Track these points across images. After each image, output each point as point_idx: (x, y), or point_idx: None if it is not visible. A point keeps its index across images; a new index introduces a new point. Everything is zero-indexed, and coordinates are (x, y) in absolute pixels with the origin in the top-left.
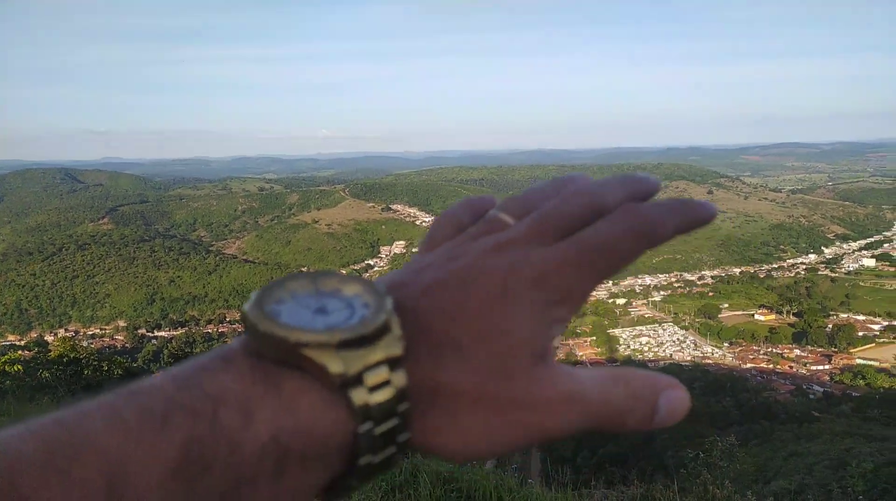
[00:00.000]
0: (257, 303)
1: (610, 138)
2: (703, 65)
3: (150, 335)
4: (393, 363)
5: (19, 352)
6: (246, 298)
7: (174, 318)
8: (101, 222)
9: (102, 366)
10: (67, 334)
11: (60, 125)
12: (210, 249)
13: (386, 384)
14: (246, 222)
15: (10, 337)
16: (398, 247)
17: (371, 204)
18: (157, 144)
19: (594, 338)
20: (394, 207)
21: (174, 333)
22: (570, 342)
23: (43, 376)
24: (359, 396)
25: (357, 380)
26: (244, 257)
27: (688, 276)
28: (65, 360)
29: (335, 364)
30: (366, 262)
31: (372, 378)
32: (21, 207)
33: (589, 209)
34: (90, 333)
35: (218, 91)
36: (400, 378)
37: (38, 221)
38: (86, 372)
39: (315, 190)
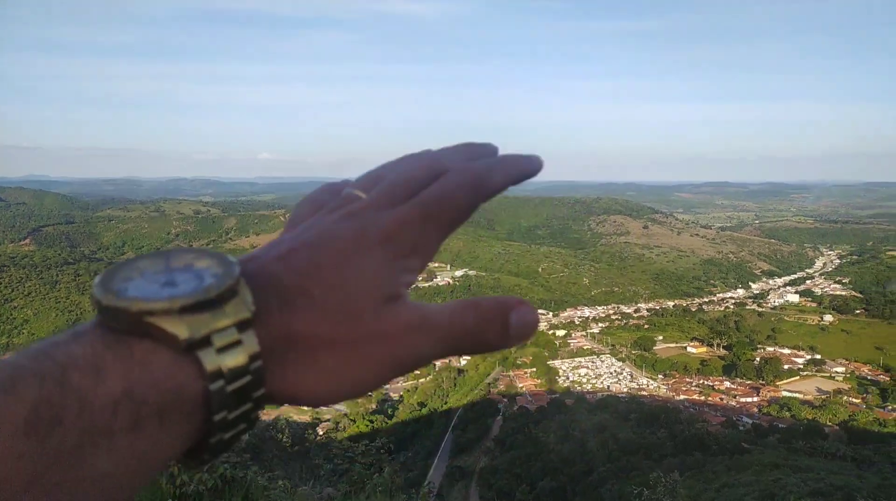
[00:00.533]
0: (102, 282)
1: (546, 172)
2: (639, 103)
3: None
4: (243, 326)
5: None
6: None
7: None
8: (22, 242)
9: None
10: None
11: None
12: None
13: (237, 344)
14: (179, 246)
15: None
16: None
17: None
18: (85, 162)
19: (534, 369)
20: None
21: None
22: (511, 373)
23: None
24: (208, 357)
25: (205, 342)
26: None
27: (625, 308)
28: None
29: (180, 329)
30: None
31: (220, 340)
32: None
33: (428, 173)
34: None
35: (151, 109)
36: (250, 339)
37: None
38: None
39: (254, 214)
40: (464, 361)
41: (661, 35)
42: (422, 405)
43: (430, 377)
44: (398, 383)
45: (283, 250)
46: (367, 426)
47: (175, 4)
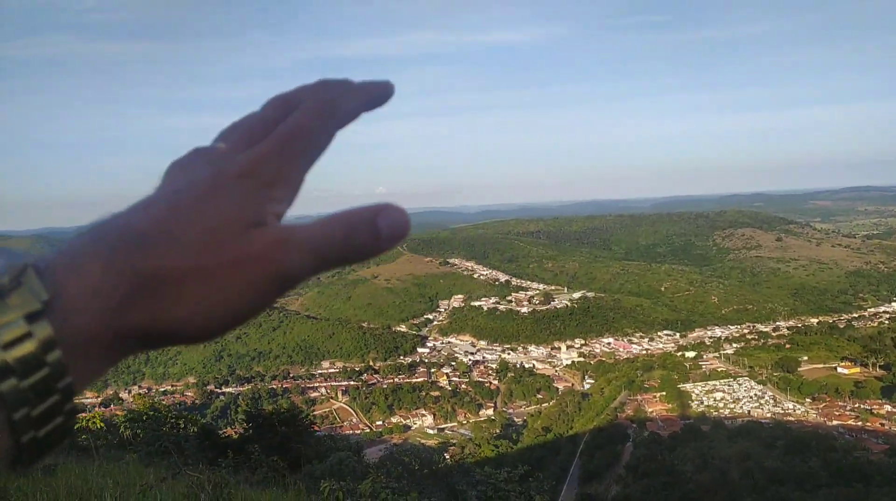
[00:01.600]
0: None
1: (668, 187)
2: (759, 110)
3: (218, 390)
4: (32, 317)
5: (97, 410)
6: (310, 352)
7: (241, 374)
8: None
9: (179, 423)
10: (141, 390)
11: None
12: (274, 306)
13: (26, 337)
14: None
15: (88, 394)
16: (456, 301)
17: (429, 258)
18: None
19: (664, 393)
20: (451, 261)
21: (241, 389)
22: (638, 397)
23: (125, 434)
24: None
25: None
26: (307, 313)
27: (761, 327)
28: (144, 417)
29: None
30: (425, 316)
31: (6, 335)
32: None
33: (281, 111)
34: (162, 389)
35: None
36: (43, 329)
37: None
38: (164, 429)
39: None
40: (587, 385)
41: (776, 37)
42: (546, 430)
43: (554, 401)
44: (521, 407)
45: (140, 204)
46: (493, 451)
47: (289, 56)
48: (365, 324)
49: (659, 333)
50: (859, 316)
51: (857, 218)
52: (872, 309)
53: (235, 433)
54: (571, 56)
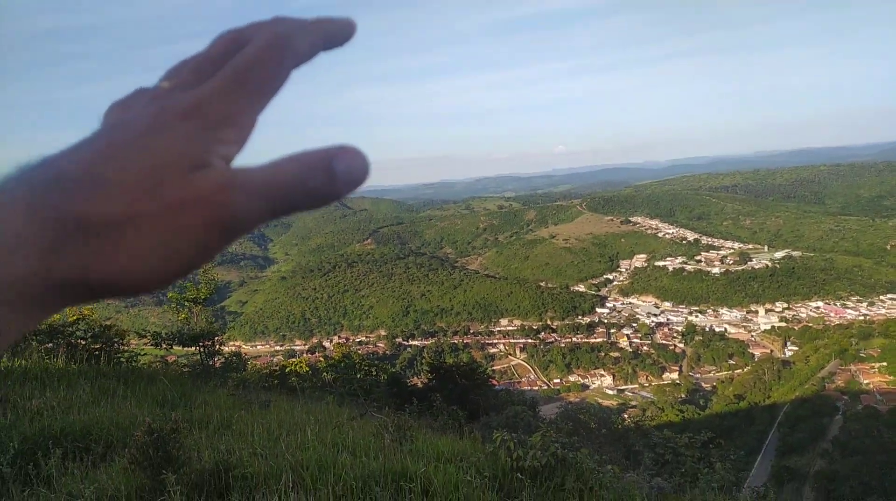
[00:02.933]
0: None
1: (887, 133)
2: None
3: (405, 343)
4: None
5: (305, 356)
6: (489, 310)
7: (425, 328)
8: (365, 242)
9: (371, 371)
10: (340, 340)
11: None
12: (455, 265)
13: None
14: (486, 239)
15: (298, 342)
16: (638, 260)
17: (609, 217)
18: (409, 170)
19: (885, 364)
20: (633, 219)
21: (425, 342)
22: (853, 367)
23: (325, 377)
24: None
25: None
26: (486, 273)
27: None
28: (341, 364)
29: None
30: (604, 276)
31: None
32: (304, 231)
33: (231, 46)
34: (357, 340)
35: (458, 119)
36: None
37: (317, 243)
38: (358, 375)
39: (552, 206)
40: (789, 352)
41: None
42: (739, 397)
43: (749, 368)
44: (710, 373)
45: (73, 147)
46: (678, 416)
47: (474, 20)
48: (543, 284)
49: (882, 296)
50: None
51: None
52: None
53: (420, 382)
54: None
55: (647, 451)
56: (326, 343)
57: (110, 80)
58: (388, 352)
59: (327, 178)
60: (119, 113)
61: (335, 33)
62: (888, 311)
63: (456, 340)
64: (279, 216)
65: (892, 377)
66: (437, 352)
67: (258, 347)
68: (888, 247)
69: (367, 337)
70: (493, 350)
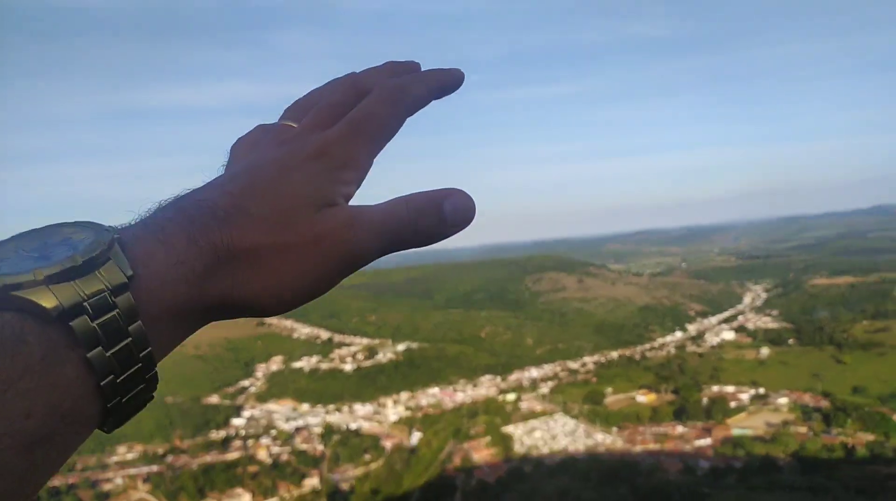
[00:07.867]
0: None
1: (479, 236)
2: (558, 162)
3: None
4: (118, 290)
5: None
6: (99, 439)
7: None
8: None
9: None
10: None
11: None
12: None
13: (111, 308)
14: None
15: None
16: (275, 363)
17: (243, 320)
18: None
19: (489, 438)
20: (268, 321)
21: None
22: (465, 445)
23: None
24: (80, 324)
25: (77, 311)
26: None
27: (571, 364)
28: None
29: (46, 299)
30: (240, 384)
31: (94, 306)
32: None
33: (352, 94)
34: None
35: None
36: (126, 301)
37: None
38: None
39: None
40: (415, 439)
41: (576, 98)
42: (375, 492)
43: (382, 460)
44: (348, 472)
45: (218, 182)
46: None
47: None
48: (169, 399)
49: (481, 378)
50: (650, 347)
51: (643, 258)
52: (661, 340)
53: None
54: None
55: None
56: None
57: None
58: None
59: (438, 218)
60: (247, 149)
61: (446, 82)
62: (487, 390)
63: (57, 481)
64: (394, 251)
65: (494, 450)
66: None
67: None
68: (482, 335)
69: None
70: (107, 486)
